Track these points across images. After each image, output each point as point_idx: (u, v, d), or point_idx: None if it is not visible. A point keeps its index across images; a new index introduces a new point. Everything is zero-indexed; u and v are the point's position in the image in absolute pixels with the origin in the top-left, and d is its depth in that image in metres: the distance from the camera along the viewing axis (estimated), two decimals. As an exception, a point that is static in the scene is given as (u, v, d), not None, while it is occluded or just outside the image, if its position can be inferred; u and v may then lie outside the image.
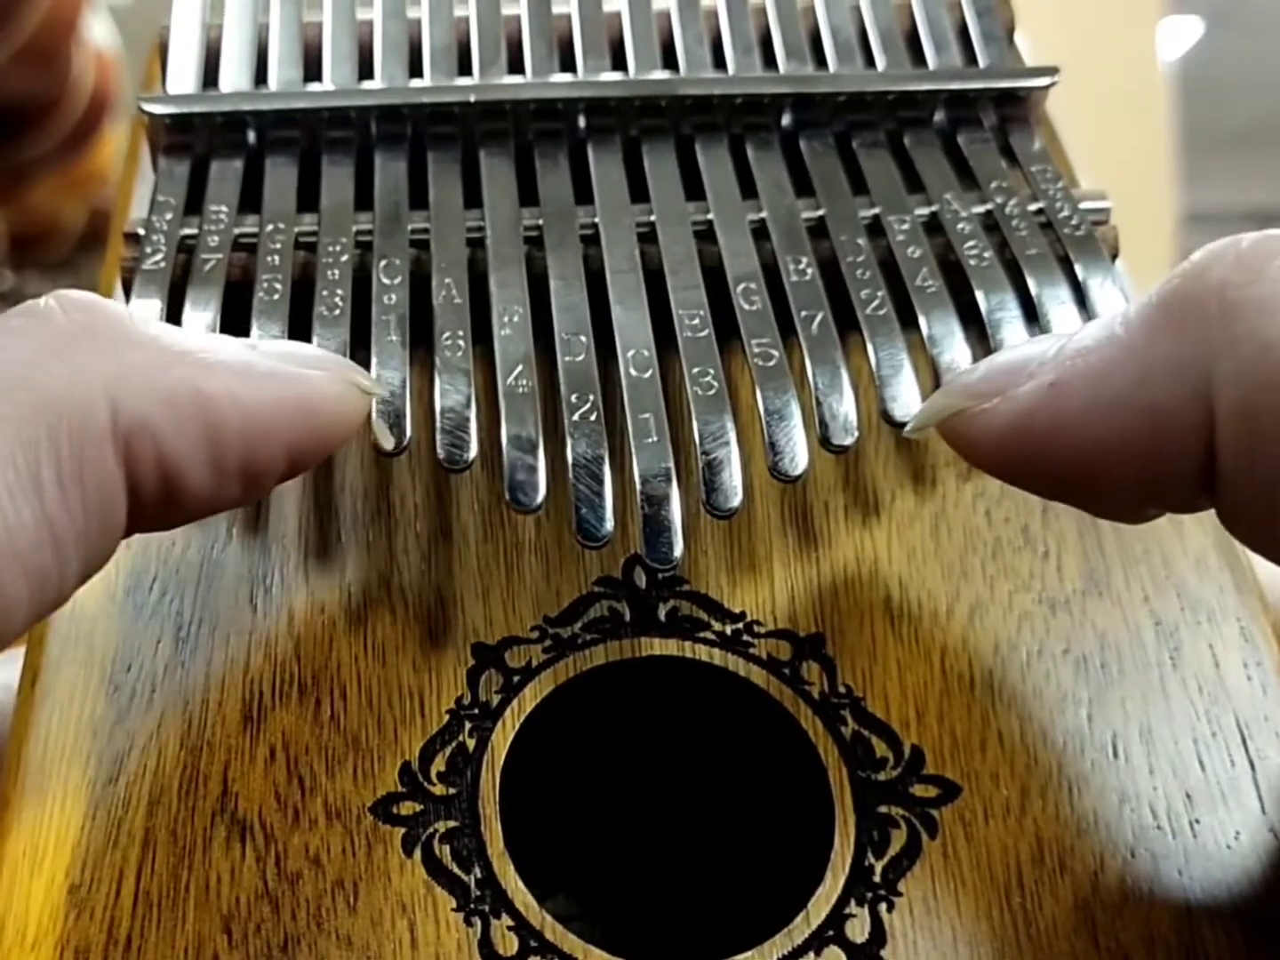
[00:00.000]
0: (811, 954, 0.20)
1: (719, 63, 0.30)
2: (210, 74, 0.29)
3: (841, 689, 0.23)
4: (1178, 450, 0.19)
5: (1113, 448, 0.19)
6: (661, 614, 0.23)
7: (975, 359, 0.25)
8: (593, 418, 0.24)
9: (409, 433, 0.23)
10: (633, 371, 0.24)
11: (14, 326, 0.20)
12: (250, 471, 0.20)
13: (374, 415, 0.23)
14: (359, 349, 0.24)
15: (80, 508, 0.19)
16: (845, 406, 0.24)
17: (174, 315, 0.25)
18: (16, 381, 0.19)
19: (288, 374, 0.21)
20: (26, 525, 0.18)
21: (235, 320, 0.25)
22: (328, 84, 0.29)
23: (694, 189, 0.28)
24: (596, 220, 0.27)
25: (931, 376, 0.25)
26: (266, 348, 0.22)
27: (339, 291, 0.25)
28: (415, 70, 0.29)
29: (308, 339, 0.24)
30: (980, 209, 0.28)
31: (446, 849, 0.21)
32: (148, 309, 0.25)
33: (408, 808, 0.21)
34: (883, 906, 0.21)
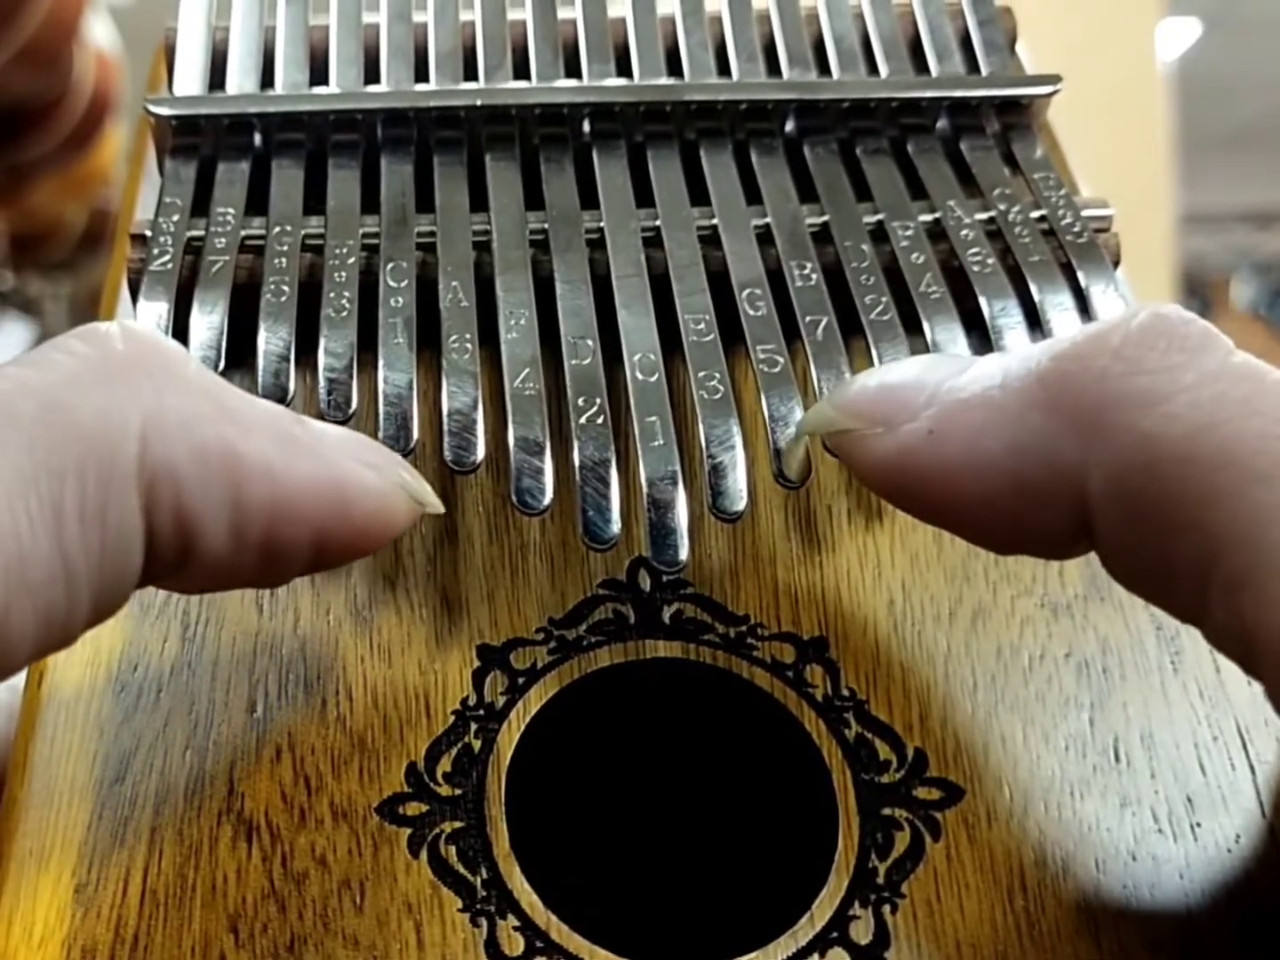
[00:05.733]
0: (815, 955, 0.20)
1: (723, 69, 0.30)
2: (216, 76, 0.30)
3: (845, 692, 0.23)
4: (1042, 517, 0.20)
5: (984, 502, 0.20)
6: (666, 616, 0.24)
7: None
8: (599, 421, 0.24)
9: (415, 435, 0.23)
10: (639, 375, 0.24)
11: (68, 347, 0.19)
12: (271, 547, 0.19)
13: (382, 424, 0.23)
14: (366, 351, 0.25)
15: (98, 546, 0.18)
16: None
17: (181, 317, 0.25)
18: (54, 404, 0.18)
19: (330, 457, 0.20)
20: (42, 557, 0.17)
21: (242, 322, 0.25)
22: (333, 87, 0.29)
23: (698, 194, 0.28)
24: (602, 225, 0.27)
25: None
26: (317, 426, 0.21)
27: (346, 294, 0.25)
28: (421, 74, 0.29)
29: (314, 341, 0.25)
30: (983, 215, 0.28)
31: (452, 849, 0.21)
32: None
33: (414, 808, 0.21)
34: (886, 908, 0.21)
